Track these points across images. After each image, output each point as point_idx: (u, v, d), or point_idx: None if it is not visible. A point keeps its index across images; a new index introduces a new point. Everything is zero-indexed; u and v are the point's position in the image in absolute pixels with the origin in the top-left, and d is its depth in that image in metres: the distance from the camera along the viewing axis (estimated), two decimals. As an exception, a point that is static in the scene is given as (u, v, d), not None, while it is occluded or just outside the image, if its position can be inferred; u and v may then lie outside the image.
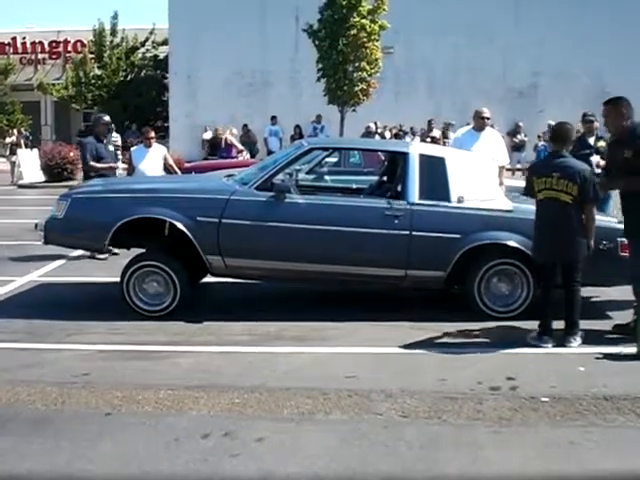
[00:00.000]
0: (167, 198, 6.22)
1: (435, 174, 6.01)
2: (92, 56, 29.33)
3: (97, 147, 9.06)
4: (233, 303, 6.83)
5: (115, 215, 6.12)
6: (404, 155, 6.21)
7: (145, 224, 6.19)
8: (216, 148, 18.48)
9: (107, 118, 9.04)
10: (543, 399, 4.23)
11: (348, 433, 3.83)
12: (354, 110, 18.90)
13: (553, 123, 21.42)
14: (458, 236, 5.89)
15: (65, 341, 5.61)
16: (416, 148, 6.45)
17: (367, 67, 18.25)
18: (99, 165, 8.93)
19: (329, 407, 4.15)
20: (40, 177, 20.84)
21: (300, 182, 6.38)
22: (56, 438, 3.86)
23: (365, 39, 17.93)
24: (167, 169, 10.06)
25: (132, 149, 10.67)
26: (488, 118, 7.92)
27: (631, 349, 5.04)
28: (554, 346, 5.21)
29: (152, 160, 9.75)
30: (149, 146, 9.87)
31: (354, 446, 3.68)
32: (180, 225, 5.99)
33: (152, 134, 10.17)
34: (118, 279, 6.30)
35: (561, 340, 5.25)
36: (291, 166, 6.30)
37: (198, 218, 6.01)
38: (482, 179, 6.28)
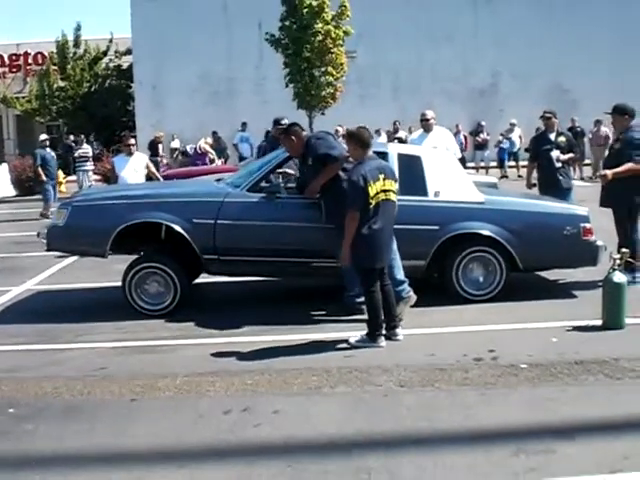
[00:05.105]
0: (164, 203, 6.58)
1: (413, 171, 6.49)
2: (55, 68, 29.35)
3: None
4: (229, 299, 7.26)
5: (115, 220, 6.47)
6: (383, 155, 6.66)
7: (142, 228, 6.56)
8: (155, 150, 19.01)
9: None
10: (522, 366, 4.78)
11: (353, 402, 4.33)
12: (322, 114, 19.42)
13: (515, 122, 21.98)
14: (436, 227, 6.41)
15: (76, 341, 5.98)
16: (394, 148, 6.94)
17: (333, 71, 18.78)
18: None
19: (334, 382, 4.64)
20: (11, 191, 20.93)
21: (288, 183, 6.78)
22: (90, 422, 4.27)
23: (330, 45, 18.46)
24: (150, 177, 10.44)
25: (114, 158, 11.00)
26: (428, 119, 8.47)
27: (597, 322, 5.62)
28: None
29: (134, 168, 10.05)
30: (130, 154, 10.19)
31: (360, 412, 4.18)
32: (178, 228, 6.37)
33: (132, 141, 10.51)
34: (110, 284, 6.62)
35: (390, 334, 5.46)
36: (279, 169, 6.76)
37: (194, 220, 6.39)
38: (455, 174, 6.81)
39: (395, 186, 5.48)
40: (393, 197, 5.45)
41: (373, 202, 5.27)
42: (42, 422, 4.29)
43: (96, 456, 3.83)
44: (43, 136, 16.29)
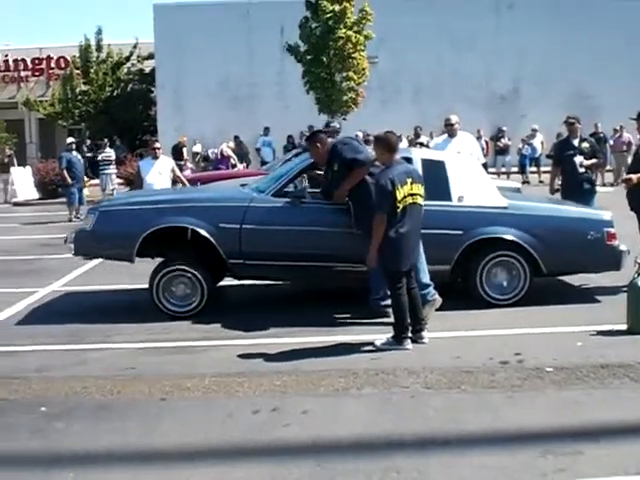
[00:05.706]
0: (190, 207, 6.67)
1: (436, 176, 6.51)
2: (78, 72, 29.67)
3: None
4: (255, 301, 7.35)
5: (142, 225, 6.55)
6: (407, 160, 6.71)
7: (167, 233, 6.63)
8: (178, 154, 19.08)
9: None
10: (547, 369, 4.80)
11: (381, 403, 4.38)
12: (344, 119, 19.46)
13: (537, 127, 22.00)
14: (460, 232, 6.44)
15: (105, 341, 6.07)
16: (418, 153, 6.98)
17: (355, 77, 18.82)
18: None
19: (360, 384, 4.70)
20: (34, 194, 21.20)
21: (313, 187, 6.83)
22: (121, 420, 4.34)
23: (351, 50, 18.51)
24: (175, 181, 10.51)
25: (140, 162, 11.11)
26: (452, 124, 8.44)
27: (621, 326, 5.62)
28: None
29: (159, 171, 10.12)
30: (156, 157, 10.27)
31: (387, 413, 4.24)
32: (204, 232, 6.44)
33: (157, 144, 10.60)
34: (135, 286, 6.67)
35: (416, 337, 5.49)
36: (303, 174, 6.82)
37: (220, 225, 6.46)
38: (479, 179, 6.84)
39: (422, 190, 5.54)
40: (420, 201, 5.52)
41: (400, 206, 5.33)
42: (73, 421, 4.36)
43: (127, 454, 3.90)
44: (70, 139, 16.51)
